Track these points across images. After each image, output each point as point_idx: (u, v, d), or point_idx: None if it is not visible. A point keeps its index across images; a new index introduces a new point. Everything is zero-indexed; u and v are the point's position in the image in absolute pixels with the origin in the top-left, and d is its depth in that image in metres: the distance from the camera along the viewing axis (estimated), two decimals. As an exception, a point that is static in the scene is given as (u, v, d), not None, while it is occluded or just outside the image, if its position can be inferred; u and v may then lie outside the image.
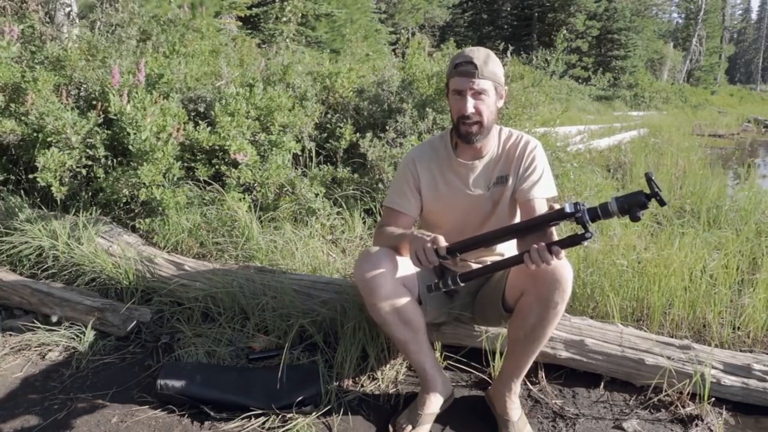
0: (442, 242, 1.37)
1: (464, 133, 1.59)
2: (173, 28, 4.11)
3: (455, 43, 4.82)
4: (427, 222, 1.80)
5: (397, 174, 1.79)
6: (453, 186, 1.70)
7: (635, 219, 1.16)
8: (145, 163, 2.60)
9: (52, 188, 2.63)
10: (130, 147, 2.63)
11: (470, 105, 1.54)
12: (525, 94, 3.77)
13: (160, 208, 2.74)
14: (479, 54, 1.54)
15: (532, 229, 1.30)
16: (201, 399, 1.68)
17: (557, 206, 1.27)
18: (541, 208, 1.60)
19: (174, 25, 4.15)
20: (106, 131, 2.80)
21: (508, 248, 1.71)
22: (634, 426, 1.64)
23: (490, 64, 1.55)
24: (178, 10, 4.27)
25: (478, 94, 1.54)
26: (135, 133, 2.59)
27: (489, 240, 1.38)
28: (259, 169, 2.94)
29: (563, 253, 1.26)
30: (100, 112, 2.80)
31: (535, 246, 1.25)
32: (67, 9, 4.26)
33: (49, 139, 2.67)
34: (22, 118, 2.78)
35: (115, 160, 2.82)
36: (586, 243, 1.22)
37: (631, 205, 1.17)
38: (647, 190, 1.16)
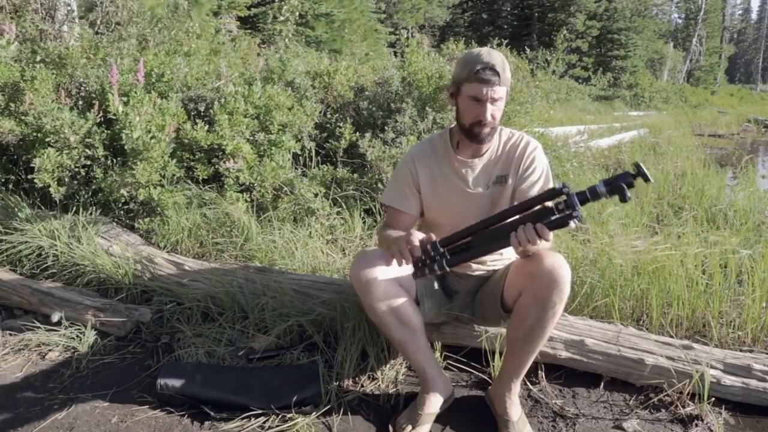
0: (415, 240, 1.36)
1: (476, 135, 1.59)
2: (174, 23, 4.11)
3: (460, 43, 4.76)
4: (426, 220, 1.80)
5: (396, 172, 1.78)
6: (452, 184, 1.70)
7: (624, 198, 1.19)
8: (139, 162, 2.60)
9: (50, 189, 2.63)
10: (125, 146, 2.63)
11: (489, 112, 1.54)
12: (521, 90, 3.77)
13: (158, 209, 2.74)
14: (498, 60, 1.52)
15: (523, 214, 1.31)
16: (201, 399, 1.68)
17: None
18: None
19: (176, 19, 4.16)
20: (105, 131, 2.80)
21: (509, 251, 1.72)
22: (634, 426, 1.64)
23: (506, 70, 1.54)
24: (182, 2, 4.28)
25: (495, 101, 1.54)
26: (127, 133, 2.59)
27: (481, 229, 1.37)
28: (257, 169, 2.94)
29: (550, 234, 1.25)
30: (100, 112, 2.80)
31: (522, 226, 1.26)
32: (67, 8, 4.26)
33: (47, 139, 2.66)
34: (22, 117, 2.78)
35: (114, 160, 2.82)
36: (573, 224, 1.22)
37: (618, 185, 1.19)
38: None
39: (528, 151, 1.66)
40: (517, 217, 1.31)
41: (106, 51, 3.37)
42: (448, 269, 1.37)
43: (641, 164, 1.19)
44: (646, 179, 1.17)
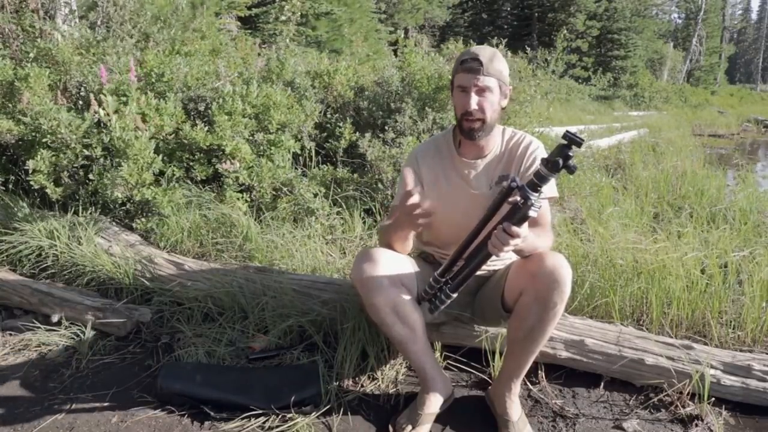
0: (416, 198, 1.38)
1: (466, 129, 1.60)
2: (177, 24, 4.11)
3: (461, 42, 4.77)
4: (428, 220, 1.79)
5: (401, 172, 1.79)
6: (455, 184, 1.70)
7: (569, 170, 1.19)
8: (124, 162, 2.59)
9: (47, 189, 2.62)
10: (115, 146, 2.63)
11: (473, 101, 1.55)
12: (523, 90, 3.78)
13: (155, 209, 2.73)
14: (485, 52, 1.56)
15: (495, 218, 1.35)
16: (201, 399, 1.68)
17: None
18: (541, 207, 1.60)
19: (178, 20, 4.16)
20: (104, 130, 2.79)
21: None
22: (634, 426, 1.64)
23: (495, 62, 1.55)
24: (182, 2, 4.27)
25: (482, 91, 1.55)
26: (108, 133, 2.59)
27: (466, 248, 1.43)
28: (256, 169, 2.94)
29: (519, 228, 1.26)
30: (97, 111, 2.79)
31: (495, 233, 1.29)
32: (66, 8, 4.26)
33: (44, 140, 2.66)
34: (20, 117, 2.78)
35: (113, 161, 2.82)
36: (531, 212, 1.24)
37: (556, 159, 1.19)
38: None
39: (529, 151, 1.66)
40: (495, 224, 1.33)
41: (97, 49, 3.35)
42: (453, 295, 1.45)
43: (569, 131, 1.18)
44: (579, 144, 1.17)
